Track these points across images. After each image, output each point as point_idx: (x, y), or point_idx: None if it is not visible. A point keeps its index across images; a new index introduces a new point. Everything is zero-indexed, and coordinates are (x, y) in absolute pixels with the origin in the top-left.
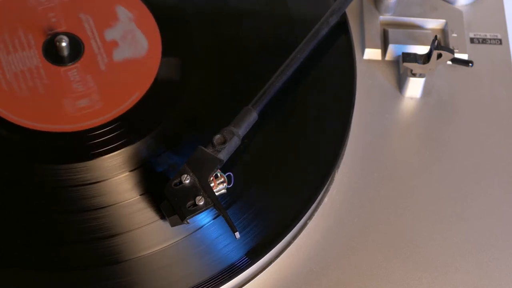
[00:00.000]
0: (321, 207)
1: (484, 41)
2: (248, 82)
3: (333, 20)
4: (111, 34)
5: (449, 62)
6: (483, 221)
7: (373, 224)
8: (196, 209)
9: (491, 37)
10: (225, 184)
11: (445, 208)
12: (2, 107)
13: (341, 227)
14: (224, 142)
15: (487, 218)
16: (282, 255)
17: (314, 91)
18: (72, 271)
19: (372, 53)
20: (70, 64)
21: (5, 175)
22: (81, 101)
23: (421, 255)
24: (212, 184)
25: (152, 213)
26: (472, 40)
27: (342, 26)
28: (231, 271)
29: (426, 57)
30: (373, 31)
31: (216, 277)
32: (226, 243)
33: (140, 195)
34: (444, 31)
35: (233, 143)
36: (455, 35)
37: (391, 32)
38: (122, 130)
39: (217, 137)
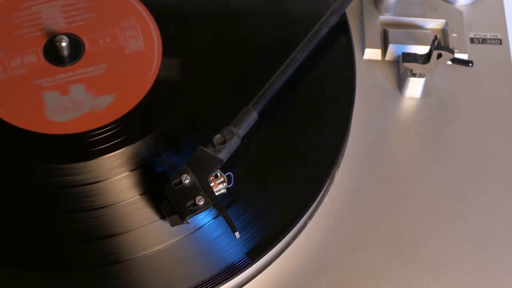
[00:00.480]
0: (321, 207)
1: (484, 41)
2: (248, 82)
3: (333, 20)
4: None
5: (449, 62)
6: (483, 221)
7: (373, 224)
8: (196, 209)
9: (491, 37)
10: (225, 184)
11: (445, 208)
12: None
13: (341, 227)
14: (224, 142)
15: (487, 218)
16: (282, 255)
17: (314, 91)
18: (72, 271)
19: (372, 53)
20: (70, 64)
21: (5, 175)
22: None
23: (421, 255)
24: (212, 184)
25: (152, 213)
26: (472, 40)
27: (342, 26)
28: (231, 271)
29: (426, 57)
30: (373, 31)
31: (216, 277)
32: (226, 243)
33: (140, 195)
34: (444, 31)
35: (233, 143)
36: (455, 35)
37: (391, 32)
38: (122, 130)
39: (217, 137)
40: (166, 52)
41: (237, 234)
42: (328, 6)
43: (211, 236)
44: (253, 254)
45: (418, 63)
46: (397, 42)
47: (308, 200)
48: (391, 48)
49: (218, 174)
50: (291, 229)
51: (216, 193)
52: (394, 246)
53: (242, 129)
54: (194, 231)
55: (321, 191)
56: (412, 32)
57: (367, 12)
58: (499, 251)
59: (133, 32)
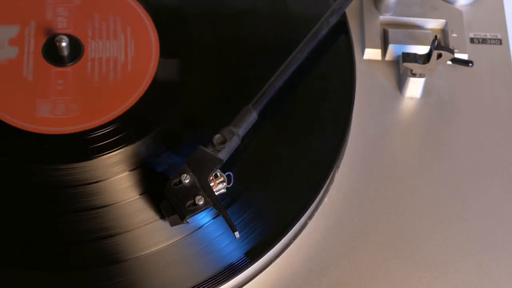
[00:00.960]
0: (321, 207)
1: (484, 41)
2: (248, 82)
3: (333, 20)
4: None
5: (449, 62)
6: (483, 221)
7: (373, 224)
8: (195, 209)
9: (491, 37)
10: (224, 183)
11: (445, 208)
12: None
13: (341, 227)
14: (224, 142)
15: (487, 218)
16: (282, 255)
17: (314, 91)
18: (72, 271)
19: (372, 53)
20: (68, 65)
21: (5, 175)
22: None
23: (421, 255)
24: (211, 184)
25: (152, 213)
26: (472, 40)
27: (342, 26)
28: (231, 271)
29: (426, 57)
30: (373, 31)
31: (216, 277)
32: (226, 242)
33: (140, 194)
34: (444, 31)
35: (233, 143)
36: (455, 35)
37: (391, 32)
38: (122, 130)
39: (217, 137)
40: (165, 52)
41: (237, 234)
42: (328, 6)
43: (211, 236)
44: (253, 254)
45: (418, 63)
46: (397, 42)
47: (308, 200)
48: (391, 48)
49: (218, 174)
50: (291, 229)
51: (216, 193)
52: (394, 246)
53: (242, 129)
54: (194, 231)
55: (321, 191)
56: (412, 32)
57: (367, 12)
58: (499, 251)
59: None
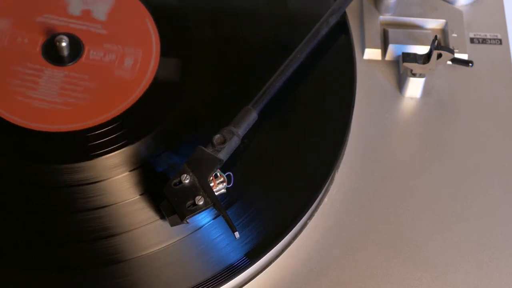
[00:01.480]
0: (321, 207)
1: (484, 41)
2: (248, 82)
3: (333, 20)
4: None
5: (449, 62)
6: (483, 221)
7: (373, 224)
8: (195, 209)
9: (491, 37)
10: (224, 184)
11: (445, 208)
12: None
13: (341, 227)
14: (224, 142)
15: (487, 218)
16: (282, 255)
17: (314, 91)
18: (72, 271)
19: (372, 53)
20: (70, 64)
21: (5, 175)
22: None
23: (421, 255)
24: (211, 184)
25: (152, 213)
26: (472, 40)
27: (342, 26)
28: (231, 271)
29: (426, 57)
30: (373, 31)
31: (216, 277)
32: (226, 243)
33: (140, 195)
34: (444, 31)
35: (233, 143)
36: (455, 35)
37: (391, 32)
38: (122, 130)
39: (217, 137)
40: (166, 52)
41: (236, 234)
42: (328, 6)
43: (210, 236)
44: (253, 255)
45: (418, 63)
46: (397, 42)
47: (308, 200)
48: (391, 48)
49: (218, 174)
50: (291, 229)
51: (216, 193)
52: (394, 246)
53: (242, 129)
54: (194, 231)
55: (321, 191)
56: (412, 32)
57: (367, 12)
58: (499, 251)
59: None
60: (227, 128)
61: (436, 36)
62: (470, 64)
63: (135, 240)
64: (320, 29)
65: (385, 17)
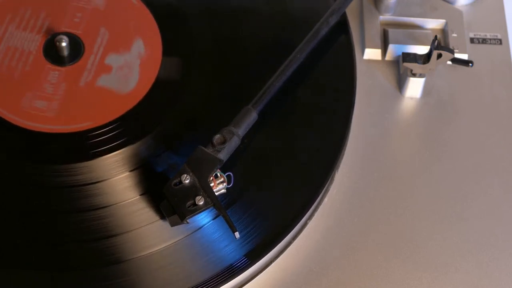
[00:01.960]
0: (321, 207)
1: (484, 41)
2: (248, 82)
3: (333, 20)
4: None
5: (449, 62)
6: (483, 221)
7: (373, 224)
8: (195, 209)
9: (491, 37)
10: (225, 184)
11: (445, 208)
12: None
13: (341, 227)
14: (224, 142)
15: (487, 218)
16: (282, 255)
17: (314, 91)
18: (72, 271)
19: (372, 53)
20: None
21: (5, 175)
22: (39, 102)
23: (421, 255)
24: (212, 184)
25: (152, 213)
26: (472, 40)
27: (342, 26)
28: (231, 271)
29: (426, 57)
30: (373, 31)
31: (216, 277)
32: (226, 243)
33: (140, 195)
34: (444, 31)
35: (233, 143)
36: (455, 35)
37: (391, 32)
38: (122, 130)
39: (217, 137)
40: (166, 52)
41: (237, 234)
42: (328, 6)
43: (211, 236)
44: (253, 255)
45: (418, 63)
46: (397, 42)
47: (308, 200)
48: (391, 48)
49: (218, 174)
50: (291, 229)
51: (216, 193)
52: (394, 246)
53: (242, 129)
54: (194, 231)
55: (321, 191)
56: (412, 32)
57: (367, 12)
58: (499, 251)
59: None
60: (227, 128)
61: (436, 36)
62: (470, 64)
63: (135, 240)
64: (320, 29)
65: (385, 17)
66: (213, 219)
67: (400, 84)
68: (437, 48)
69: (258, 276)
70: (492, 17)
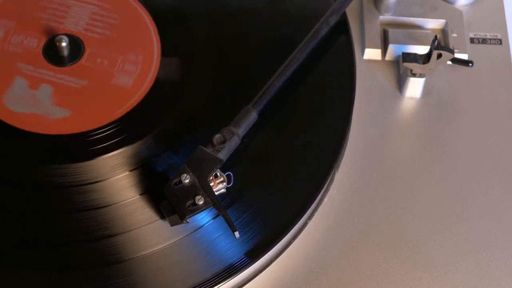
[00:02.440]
0: (321, 207)
1: (484, 41)
2: (248, 82)
3: (333, 20)
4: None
5: (449, 62)
6: (483, 221)
7: (373, 224)
8: (195, 209)
9: (491, 37)
10: (224, 183)
11: (445, 208)
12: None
13: (341, 227)
14: (223, 141)
15: (487, 218)
16: (282, 255)
17: (314, 91)
18: (72, 271)
19: (372, 53)
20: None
21: (5, 175)
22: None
23: (421, 255)
24: (211, 184)
25: (152, 213)
26: (472, 40)
27: (342, 26)
28: (231, 271)
29: (426, 57)
30: (373, 31)
31: (216, 277)
32: (226, 242)
33: (140, 194)
34: (444, 31)
35: (233, 143)
36: (455, 35)
37: (391, 32)
38: (122, 130)
39: (217, 137)
40: (166, 52)
41: (236, 234)
42: (328, 6)
43: (210, 236)
44: (253, 254)
45: (418, 63)
46: (397, 42)
47: (308, 200)
48: (391, 48)
49: (218, 174)
50: (291, 229)
51: (216, 193)
52: (394, 246)
53: (242, 129)
54: (194, 231)
55: (321, 191)
56: (412, 32)
57: (367, 12)
58: (499, 251)
59: (132, 68)
60: (227, 128)
61: (436, 36)
62: (470, 64)
63: (135, 240)
64: (320, 29)
65: (385, 17)
66: (213, 218)
67: (400, 84)
68: (437, 48)
69: (258, 276)
70: (492, 17)
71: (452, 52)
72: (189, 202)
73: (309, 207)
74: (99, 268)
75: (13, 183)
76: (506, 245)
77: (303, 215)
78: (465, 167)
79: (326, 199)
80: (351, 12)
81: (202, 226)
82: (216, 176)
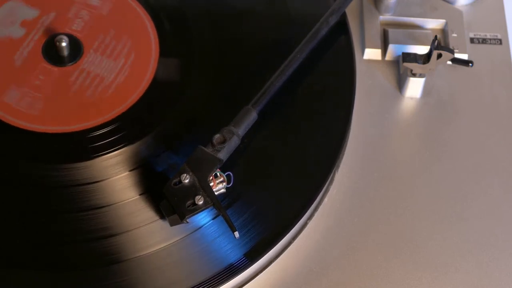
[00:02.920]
0: (321, 207)
1: (484, 41)
2: (248, 82)
3: (333, 20)
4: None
5: (449, 62)
6: (483, 221)
7: (373, 224)
8: (195, 209)
9: (491, 37)
10: (224, 183)
11: (445, 208)
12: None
13: (341, 227)
14: (223, 141)
15: (487, 218)
16: (282, 255)
17: (314, 91)
18: (72, 271)
19: (372, 53)
20: (69, 64)
21: (5, 175)
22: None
23: (421, 255)
24: (211, 184)
25: (152, 213)
26: (472, 40)
27: (342, 26)
28: (231, 271)
29: (426, 57)
30: (373, 31)
31: (216, 277)
32: (226, 243)
33: (140, 195)
34: (444, 31)
35: (233, 143)
36: (455, 35)
37: (391, 32)
38: (122, 130)
39: (217, 137)
40: (165, 51)
41: (236, 234)
42: (328, 6)
43: (210, 236)
44: (253, 254)
45: (418, 63)
46: (397, 42)
47: (308, 200)
48: (391, 48)
49: (218, 174)
50: (291, 229)
51: (216, 193)
52: (394, 246)
53: (241, 129)
54: (194, 231)
55: (321, 191)
56: (412, 32)
57: (367, 12)
58: (499, 251)
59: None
60: (227, 128)
61: (436, 36)
62: (470, 64)
63: (135, 240)
64: (320, 29)
65: (385, 17)
66: (213, 218)
67: (400, 84)
68: (437, 48)
69: (258, 276)
70: (492, 17)
71: (452, 52)
72: (189, 202)
73: (309, 207)
74: (98, 268)
75: (13, 183)
76: (506, 245)
77: (303, 215)
78: (465, 167)
79: (326, 199)
80: (351, 12)
81: (202, 226)
82: (216, 176)
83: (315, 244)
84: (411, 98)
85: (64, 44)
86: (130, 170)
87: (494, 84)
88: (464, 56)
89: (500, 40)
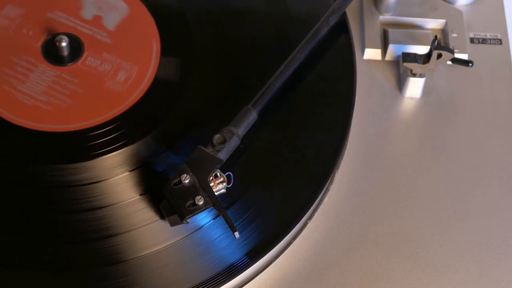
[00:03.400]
0: (321, 207)
1: (484, 41)
2: (248, 82)
3: (333, 20)
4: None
5: (449, 62)
6: (483, 221)
7: (373, 224)
8: (195, 209)
9: (491, 37)
10: (224, 183)
11: (445, 208)
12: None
13: (341, 227)
14: (223, 141)
15: (487, 218)
16: (282, 255)
17: (314, 91)
18: (72, 271)
19: (372, 53)
20: (70, 64)
21: (5, 175)
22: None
23: (421, 255)
24: (211, 184)
25: (152, 213)
26: (472, 40)
27: (342, 26)
28: (231, 271)
29: (426, 57)
30: (373, 31)
31: (216, 277)
32: (226, 243)
33: (140, 195)
34: (444, 31)
35: (233, 143)
36: (455, 35)
37: (391, 32)
38: (122, 130)
39: (217, 137)
40: (165, 51)
41: (236, 234)
42: (328, 6)
43: (211, 236)
44: (253, 254)
45: (418, 63)
46: (397, 42)
47: (308, 200)
48: (391, 48)
49: (218, 174)
50: (291, 229)
51: (216, 193)
52: (394, 246)
53: (241, 129)
54: (194, 231)
55: (321, 191)
56: (412, 32)
57: (367, 12)
58: (499, 251)
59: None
60: (227, 128)
61: (436, 36)
62: (470, 64)
63: (135, 240)
64: (320, 29)
65: (385, 17)
66: (213, 219)
67: (400, 84)
68: (437, 48)
69: (258, 276)
70: (492, 17)
71: (452, 52)
72: (189, 202)
73: (309, 207)
74: (99, 268)
75: (13, 183)
76: (506, 245)
77: (303, 215)
78: (465, 167)
79: (326, 199)
80: (351, 12)
81: (202, 226)
82: (216, 176)
83: (315, 244)
84: (411, 98)
85: (64, 44)
86: (130, 170)
87: (494, 84)
88: (464, 56)
89: (500, 40)
